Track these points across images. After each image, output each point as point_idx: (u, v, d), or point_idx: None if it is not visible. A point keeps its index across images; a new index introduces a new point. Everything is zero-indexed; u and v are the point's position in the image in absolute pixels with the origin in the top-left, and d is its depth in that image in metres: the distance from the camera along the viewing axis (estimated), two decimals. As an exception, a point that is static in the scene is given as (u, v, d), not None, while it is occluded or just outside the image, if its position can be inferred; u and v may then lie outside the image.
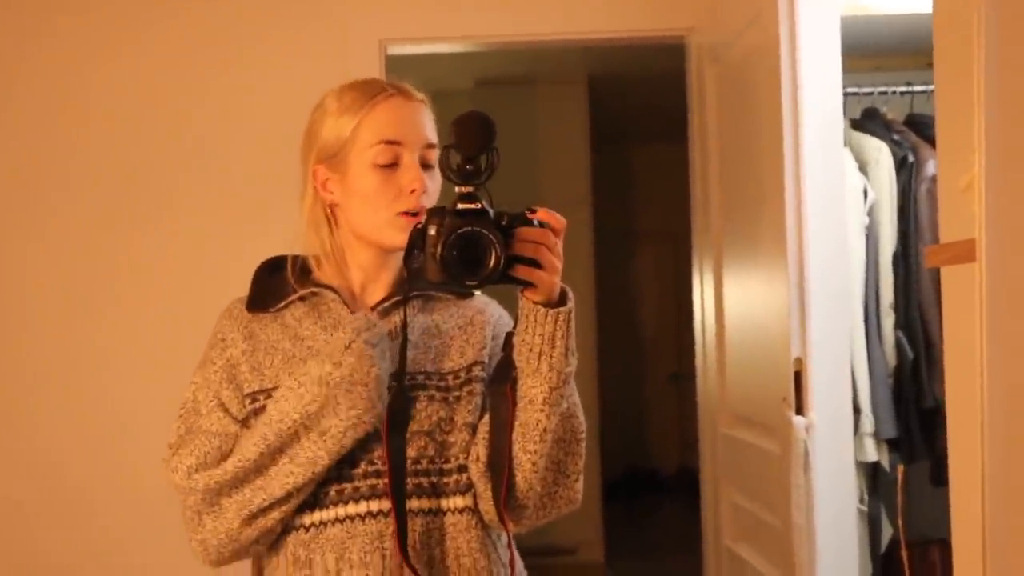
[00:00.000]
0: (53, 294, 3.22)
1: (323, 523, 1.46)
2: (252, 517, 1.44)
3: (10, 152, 3.23)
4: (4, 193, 3.22)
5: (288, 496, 1.43)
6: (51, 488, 3.18)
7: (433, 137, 1.53)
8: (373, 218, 1.51)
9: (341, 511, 1.46)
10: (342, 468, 1.46)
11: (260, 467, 1.43)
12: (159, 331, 3.20)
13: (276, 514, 1.45)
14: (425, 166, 1.52)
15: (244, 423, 1.50)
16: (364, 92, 1.53)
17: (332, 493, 1.46)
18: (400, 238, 1.47)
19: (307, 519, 1.47)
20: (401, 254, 1.49)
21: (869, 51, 3.07)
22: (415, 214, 1.48)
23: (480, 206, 1.35)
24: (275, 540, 1.49)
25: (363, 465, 1.46)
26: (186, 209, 3.23)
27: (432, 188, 1.52)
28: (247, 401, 1.50)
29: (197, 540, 1.47)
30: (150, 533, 3.13)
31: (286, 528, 1.48)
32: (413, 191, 1.49)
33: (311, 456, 1.42)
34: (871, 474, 2.78)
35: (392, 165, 1.50)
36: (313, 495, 1.46)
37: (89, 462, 3.18)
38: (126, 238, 3.22)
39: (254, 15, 3.25)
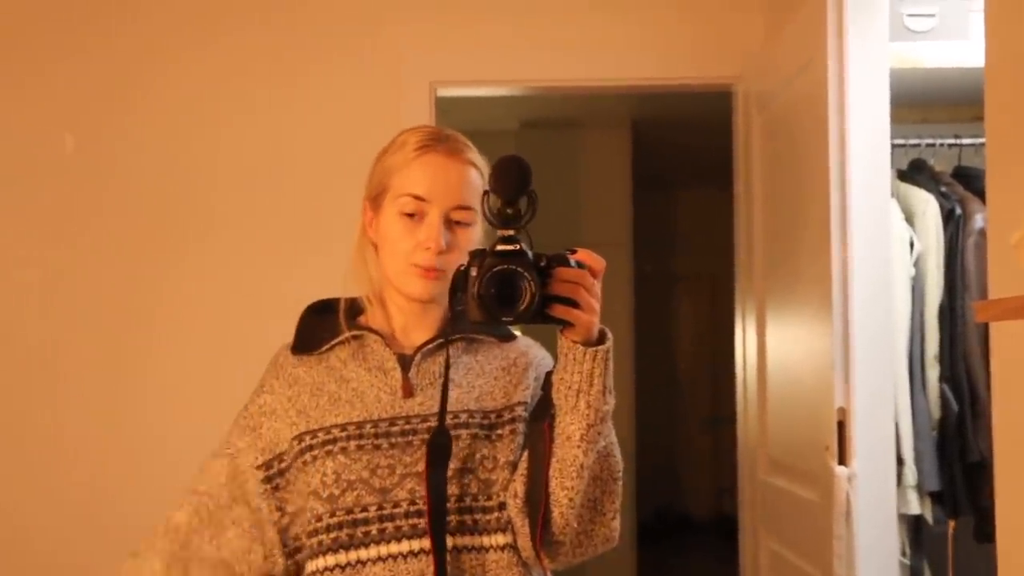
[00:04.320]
0: (92, 315, 3.26)
1: (361, 562, 1.47)
2: None
3: (54, 173, 3.28)
4: (46, 211, 3.28)
5: None
6: (89, 511, 3.21)
7: (468, 199, 1.55)
8: (393, 264, 1.56)
9: (384, 550, 1.47)
10: (384, 507, 1.48)
11: None
12: (198, 354, 3.24)
13: None
14: (455, 224, 1.55)
15: (277, 463, 1.55)
16: (419, 142, 1.57)
17: (374, 531, 1.47)
18: (412, 287, 1.54)
19: (343, 558, 1.48)
20: (440, 299, 1.55)
21: (917, 102, 3.07)
22: (428, 269, 1.52)
23: (519, 247, 1.38)
24: None
25: (405, 504, 1.48)
26: (228, 237, 3.28)
27: (463, 244, 1.54)
28: (295, 443, 1.54)
29: None
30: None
31: (318, 569, 1.49)
32: (428, 248, 1.52)
33: None
34: (913, 527, 2.76)
35: (417, 217, 1.54)
36: (349, 534, 1.48)
37: (126, 484, 3.21)
38: (167, 263, 3.27)
39: (309, 53, 3.32)
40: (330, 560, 1.48)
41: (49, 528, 3.22)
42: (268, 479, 1.55)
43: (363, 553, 1.47)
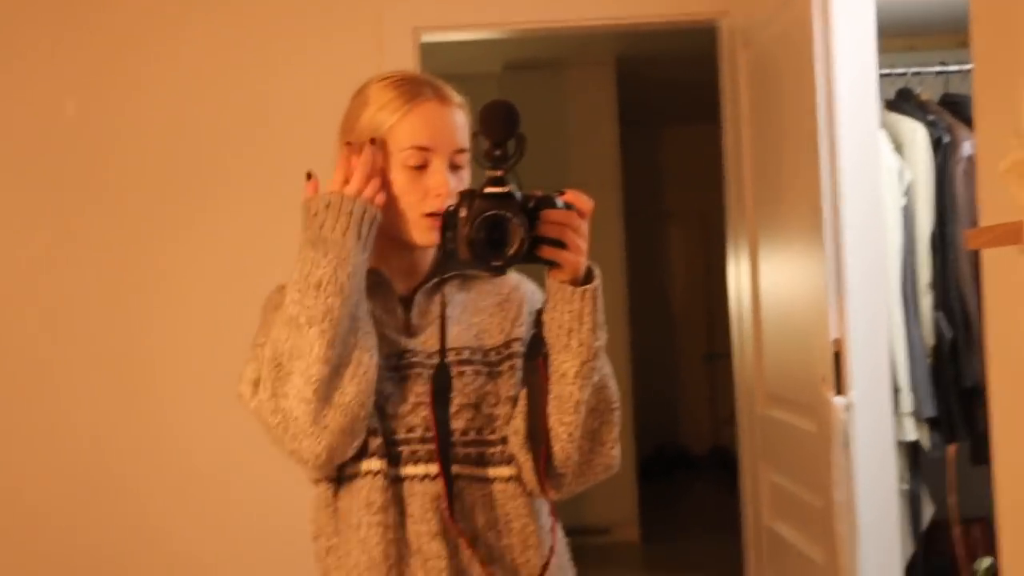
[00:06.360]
0: (97, 292, 3.25)
1: (388, 477, 1.51)
2: (322, 395, 1.45)
3: (47, 154, 3.27)
4: (43, 194, 3.26)
5: (330, 357, 1.44)
6: (98, 484, 3.22)
7: (464, 142, 1.57)
8: (400, 217, 1.56)
9: (404, 470, 1.52)
10: (399, 431, 1.52)
11: (293, 347, 1.46)
12: (202, 327, 3.24)
13: (345, 383, 1.46)
14: (455, 168, 1.56)
15: None
16: (404, 93, 1.56)
17: (400, 451, 1.52)
18: (426, 237, 1.54)
19: (376, 464, 1.51)
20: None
21: (903, 31, 3.06)
22: (440, 216, 1.52)
23: (507, 190, 1.41)
24: (350, 484, 1.52)
25: (420, 431, 1.52)
26: (224, 204, 3.26)
27: (464, 186, 1.55)
28: None
29: (290, 451, 1.49)
30: (198, 524, 3.20)
31: (358, 472, 1.52)
32: (439, 195, 1.53)
33: (322, 308, 1.45)
34: (911, 453, 2.80)
35: (421, 167, 1.54)
36: (385, 449, 1.50)
37: (135, 457, 3.22)
38: (168, 235, 3.26)
39: (290, 5, 3.28)
40: (362, 467, 1.52)
41: (54, 515, 3.22)
42: None
43: (394, 471, 1.51)
